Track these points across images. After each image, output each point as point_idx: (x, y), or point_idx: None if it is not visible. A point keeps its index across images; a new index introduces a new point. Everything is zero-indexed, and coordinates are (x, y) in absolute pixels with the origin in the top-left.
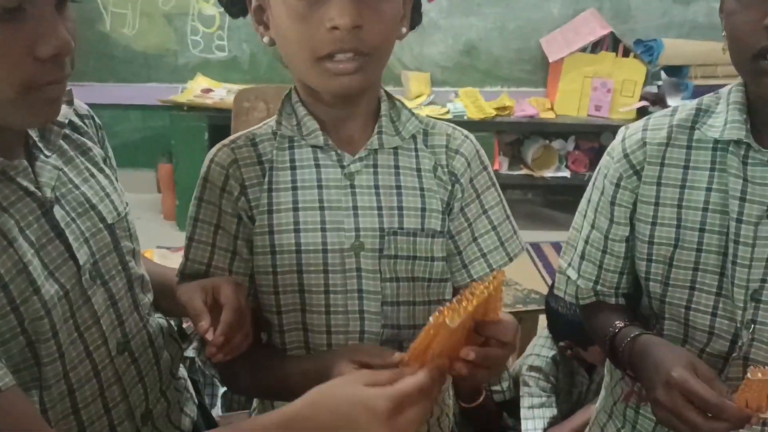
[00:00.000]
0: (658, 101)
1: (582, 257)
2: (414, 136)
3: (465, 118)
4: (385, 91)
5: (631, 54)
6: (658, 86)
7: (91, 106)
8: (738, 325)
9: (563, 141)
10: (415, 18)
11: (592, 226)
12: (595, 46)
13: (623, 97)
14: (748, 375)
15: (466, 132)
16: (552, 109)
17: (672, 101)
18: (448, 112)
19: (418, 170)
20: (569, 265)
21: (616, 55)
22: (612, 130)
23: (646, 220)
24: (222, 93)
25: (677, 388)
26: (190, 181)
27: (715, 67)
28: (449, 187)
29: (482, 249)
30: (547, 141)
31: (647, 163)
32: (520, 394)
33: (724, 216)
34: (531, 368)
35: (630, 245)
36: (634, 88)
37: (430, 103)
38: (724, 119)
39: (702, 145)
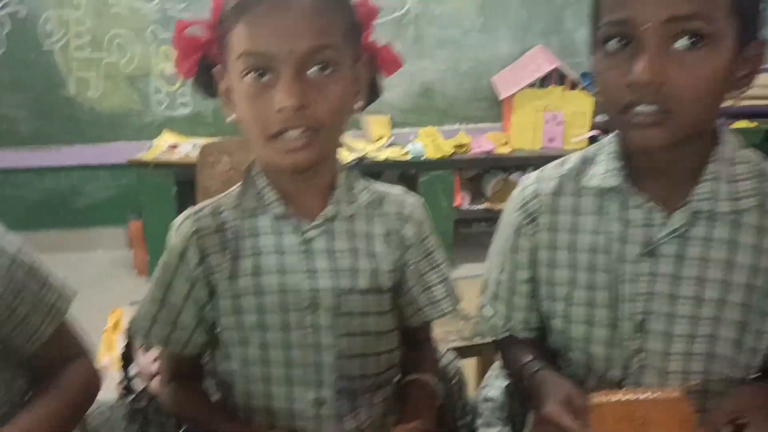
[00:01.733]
0: (606, 130)
1: (494, 297)
2: (369, 204)
3: (423, 157)
4: (346, 166)
5: (579, 87)
6: None
7: (60, 168)
8: (629, 353)
9: (521, 173)
10: (372, 95)
11: (501, 269)
12: (544, 81)
13: (574, 129)
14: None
15: (416, 199)
16: (508, 143)
17: None
18: (407, 153)
19: (371, 235)
20: (484, 304)
21: (564, 88)
22: None
23: (544, 263)
24: (188, 148)
25: (550, 422)
26: (161, 236)
27: None
28: (399, 251)
29: (433, 298)
30: (506, 174)
31: (541, 212)
32: (476, 425)
33: (609, 256)
34: (486, 399)
35: (534, 286)
36: (584, 119)
37: (391, 144)
38: (605, 167)
39: (588, 193)
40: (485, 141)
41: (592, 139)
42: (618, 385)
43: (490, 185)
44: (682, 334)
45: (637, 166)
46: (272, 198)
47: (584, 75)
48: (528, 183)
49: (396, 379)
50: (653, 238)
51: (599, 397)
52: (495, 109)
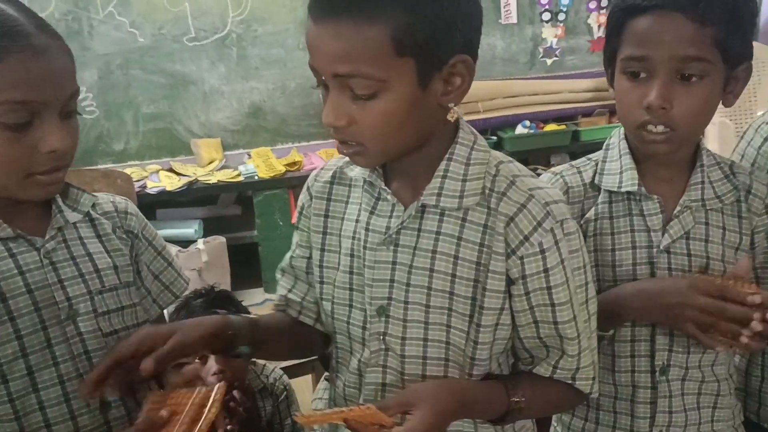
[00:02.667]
0: None
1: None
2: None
3: (256, 178)
4: None
5: None
6: None
7: None
8: (375, 336)
9: None
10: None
11: (294, 247)
12: None
13: None
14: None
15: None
16: None
17: None
18: (239, 175)
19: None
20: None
21: None
22: None
23: (317, 246)
24: None
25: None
26: None
27: (477, 104)
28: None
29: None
30: None
31: (317, 197)
32: None
33: (360, 242)
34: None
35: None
36: None
37: (223, 167)
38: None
39: (357, 184)
40: (317, 158)
41: None
42: (364, 366)
43: None
44: (417, 321)
45: (389, 163)
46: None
47: None
48: (315, 172)
49: None
50: (390, 228)
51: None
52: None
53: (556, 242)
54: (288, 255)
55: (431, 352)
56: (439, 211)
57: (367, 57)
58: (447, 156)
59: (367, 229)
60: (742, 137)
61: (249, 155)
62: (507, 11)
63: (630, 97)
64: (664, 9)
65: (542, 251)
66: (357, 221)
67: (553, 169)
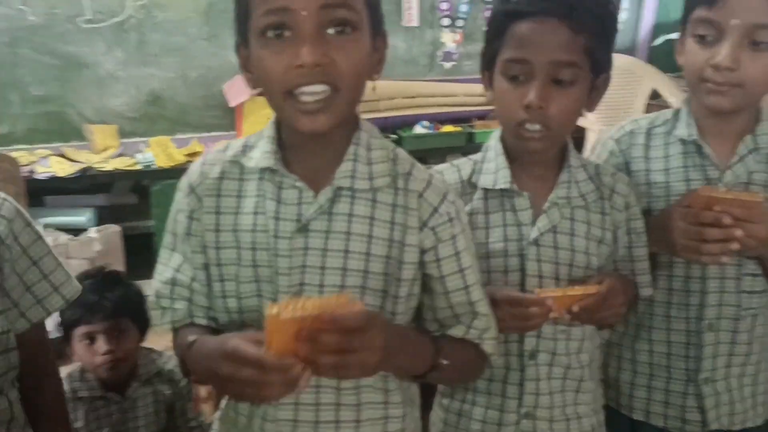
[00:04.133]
0: None
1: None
2: None
3: (154, 167)
4: None
5: None
6: None
7: None
8: None
9: None
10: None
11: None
12: None
13: None
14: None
15: None
16: None
17: None
18: (136, 163)
19: None
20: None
21: None
22: None
23: (211, 245)
24: None
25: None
26: None
27: (377, 102)
28: None
29: None
30: None
31: (206, 195)
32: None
33: (268, 233)
34: None
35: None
36: None
37: (120, 155)
38: (261, 151)
39: (250, 176)
40: None
41: None
42: None
43: None
44: None
45: (290, 149)
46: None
47: None
48: (193, 168)
49: None
50: (303, 215)
51: (271, 319)
52: (229, 117)
53: (458, 212)
54: (169, 276)
55: None
56: (350, 193)
57: None
58: (354, 141)
59: (276, 219)
60: (592, 150)
61: (147, 144)
62: (409, 14)
63: (510, 97)
64: (543, 15)
65: (450, 220)
66: (256, 213)
67: (435, 167)
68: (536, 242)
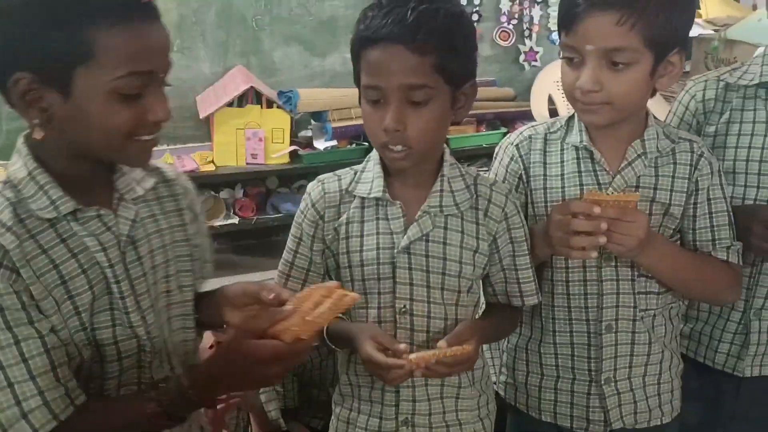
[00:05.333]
0: (309, 144)
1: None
2: None
3: None
4: None
5: (275, 104)
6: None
7: None
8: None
9: (231, 190)
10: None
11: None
12: (242, 100)
13: (275, 144)
14: None
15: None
16: (213, 161)
17: (318, 143)
18: None
19: None
20: None
21: (261, 106)
22: (276, 174)
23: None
24: None
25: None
26: None
27: (350, 110)
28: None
29: None
30: (214, 192)
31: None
32: None
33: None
34: None
35: None
36: (284, 135)
37: None
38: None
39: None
40: (189, 160)
41: (293, 154)
42: None
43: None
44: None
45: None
46: None
47: (281, 93)
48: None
49: None
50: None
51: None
52: (203, 129)
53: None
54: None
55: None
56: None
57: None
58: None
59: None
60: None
61: None
62: None
63: (372, 120)
64: (388, 42)
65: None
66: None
67: (318, 177)
68: (407, 250)
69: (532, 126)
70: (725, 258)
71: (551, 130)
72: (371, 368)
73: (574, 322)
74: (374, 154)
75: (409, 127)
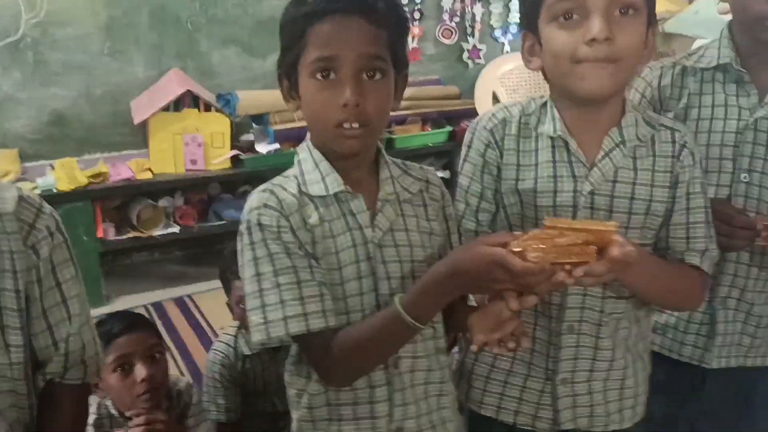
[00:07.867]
0: (250, 148)
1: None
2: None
3: (54, 190)
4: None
5: (213, 108)
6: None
7: None
8: None
9: (171, 198)
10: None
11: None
12: (179, 104)
13: (215, 149)
14: None
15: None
16: (150, 169)
17: (260, 147)
18: (36, 188)
19: None
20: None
21: (199, 110)
22: (217, 180)
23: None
24: None
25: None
26: None
27: (292, 112)
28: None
29: None
30: (152, 200)
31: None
32: None
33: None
34: None
35: None
36: (224, 139)
37: (19, 179)
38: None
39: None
40: (125, 168)
41: (235, 159)
42: None
43: (135, 213)
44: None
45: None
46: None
47: (219, 96)
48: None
49: None
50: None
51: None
52: (139, 135)
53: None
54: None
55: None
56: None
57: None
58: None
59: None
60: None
61: (52, 166)
62: None
63: (322, 99)
64: (345, 13)
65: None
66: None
67: (258, 189)
68: (380, 244)
69: (506, 107)
70: (697, 263)
71: (526, 113)
72: (526, 280)
73: (538, 315)
74: (307, 156)
75: (368, 101)
